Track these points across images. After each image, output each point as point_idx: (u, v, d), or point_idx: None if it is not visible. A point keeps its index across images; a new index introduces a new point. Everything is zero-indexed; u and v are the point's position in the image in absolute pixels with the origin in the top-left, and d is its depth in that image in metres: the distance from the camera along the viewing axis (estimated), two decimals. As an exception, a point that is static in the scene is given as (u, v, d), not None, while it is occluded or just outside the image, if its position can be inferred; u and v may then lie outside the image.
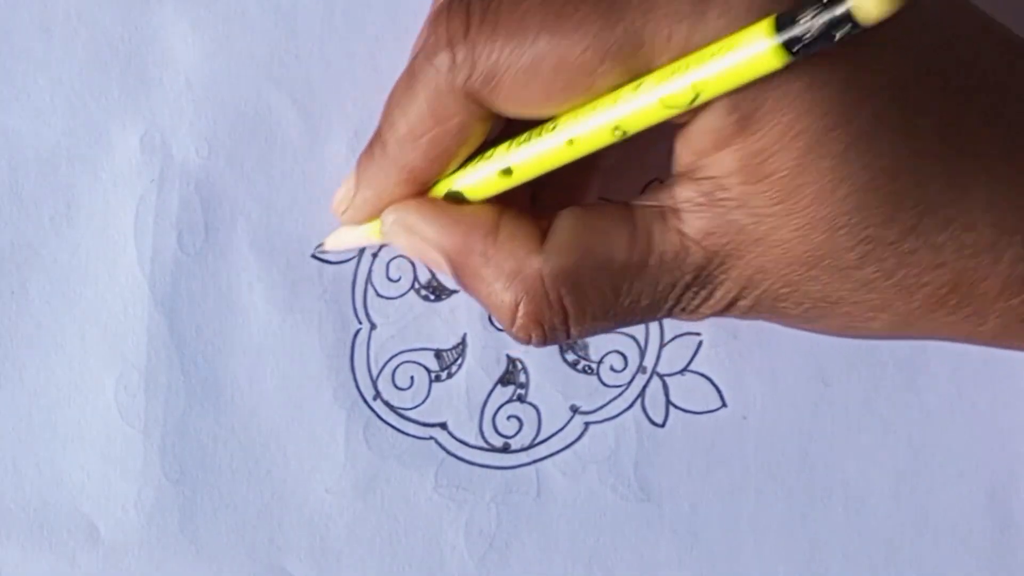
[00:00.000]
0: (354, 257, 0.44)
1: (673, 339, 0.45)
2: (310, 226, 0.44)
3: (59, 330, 0.43)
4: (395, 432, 0.44)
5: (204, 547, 0.44)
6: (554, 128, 0.36)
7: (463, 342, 0.44)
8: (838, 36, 0.31)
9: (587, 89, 0.34)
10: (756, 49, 0.32)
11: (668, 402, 0.45)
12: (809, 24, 0.31)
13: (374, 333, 0.44)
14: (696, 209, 0.36)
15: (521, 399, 0.44)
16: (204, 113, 0.43)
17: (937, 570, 0.46)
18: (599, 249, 0.36)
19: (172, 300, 0.43)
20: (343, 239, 0.42)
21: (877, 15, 0.30)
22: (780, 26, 0.31)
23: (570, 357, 0.44)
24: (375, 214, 0.39)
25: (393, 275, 0.44)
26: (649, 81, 0.34)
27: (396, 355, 0.44)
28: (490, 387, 0.44)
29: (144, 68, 0.43)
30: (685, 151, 0.35)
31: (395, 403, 0.44)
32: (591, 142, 0.35)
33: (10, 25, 0.43)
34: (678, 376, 0.45)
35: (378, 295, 0.44)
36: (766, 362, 0.45)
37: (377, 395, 0.44)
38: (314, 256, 0.43)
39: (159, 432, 0.43)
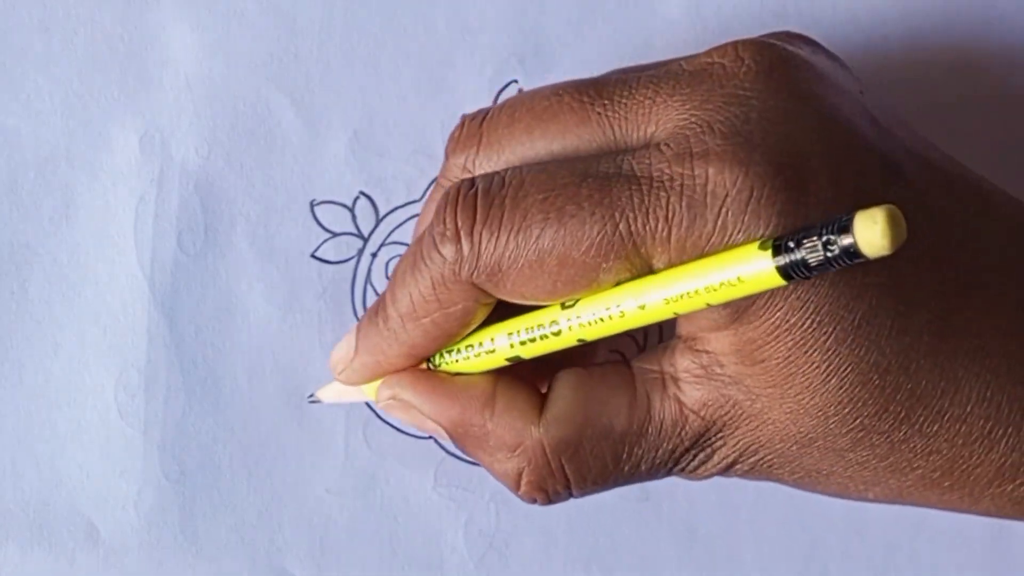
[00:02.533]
0: (354, 257, 0.44)
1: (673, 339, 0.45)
2: (310, 226, 0.44)
3: (59, 330, 0.43)
4: (395, 432, 0.44)
5: (204, 547, 0.44)
6: (558, 332, 0.36)
7: (463, 342, 0.44)
8: (840, 266, 0.31)
9: (591, 283, 0.35)
10: (757, 268, 0.32)
11: (668, 402, 0.45)
12: (812, 254, 0.31)
13: (374, 333, 0.44)
14: (694, 380, 0.36)
15: (521, 399, 0.44)
16: (204, 113, 0.43)
17: (936, 570, 0.46)
18: (599, 418, 0.37)
19: (172, 300, 0.43)
20: (338, 393, 0.42)
21: (883, 250, 0.30)
22: (777, 250, 0.32)
23: (570, 357, 0.44)
24: (372, 378, 0.40)
25: (393, 275, 0.44)
26: (656, 283, 0.34)
27: (396, 355, 0.44)
28: (490, 387, 0.44)
29: (144, 68, 0.43)
30: (686, 322, 0.36)
31: (395, 403, 0.44)
32: (597, 334, 0.36)
33: (10, 25, 0.43)
34: (678, 376, 0.45)
35: (377, 295, 0.44)
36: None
37: (377, 395, 0.44)
38: (310, 400, 0.44)
39: (159, 432, 0.43)
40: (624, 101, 0.36)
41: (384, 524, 0.44)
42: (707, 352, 0.36)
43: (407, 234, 0.44)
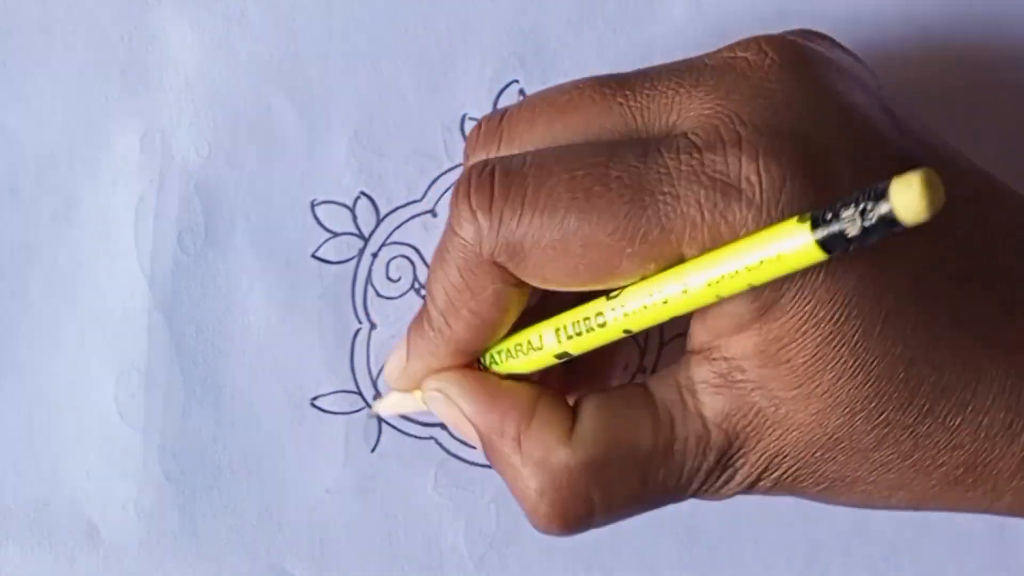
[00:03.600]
0: (354, 257, 0.44)
1: (673, 339, 0.45)
2: (310, 226, 0.44)
3: (59, 330, 0.43)
4: (395, 432, 0.44)
5: (204, 547, 0.44)
6: (604, 324, 0.36)
7: (463, 342, 0.44)
8: (878, 236, 0.31)
9: (614, 269, 0.35)
10: (797, 244, 0.32)
11: (668, 402, 0.45)
12: (850, 224, 0.31)
13: (374, 333, 0.44)
14: (714, 390, 0.36)
15: (521, 399, 0.44)
16: (204, 113, 0.43)
17: (937, 570, 0.46)
18: (624, 439, 0.37)
19: (172, 300, 0.43)
20: (395, 405, 0.42)
21: (920, 215, 0.30)
22: (816, 223, 0.31)
23: (570, 357, 0.44)
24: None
25: (393, 275, 0.44)
26: (698, 266, 0.34)
27: (396, 355, 0.44)
28: (490, 387, 0.44)
29: (144, 68, 0.43)
30: (701, 330, 0.36)
31: (395, 403, 0.44)
32: (643, 324, 0.35)
33: (10, 25, 0.43)
34: (678, 376, 0.45)
35: (378, 295, 0.44)
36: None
37: (377, 395, 0.44)
38: (369, 415, 0.44)
39: (159, 432, 0.43)
40: (647, 92, 0.36)
41: (384, 524, 0.44)
42: (725, 359, 0.36)
43: (408, 234, 0.44)
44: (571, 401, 0.38)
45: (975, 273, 0.36)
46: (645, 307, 0.35)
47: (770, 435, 0.36)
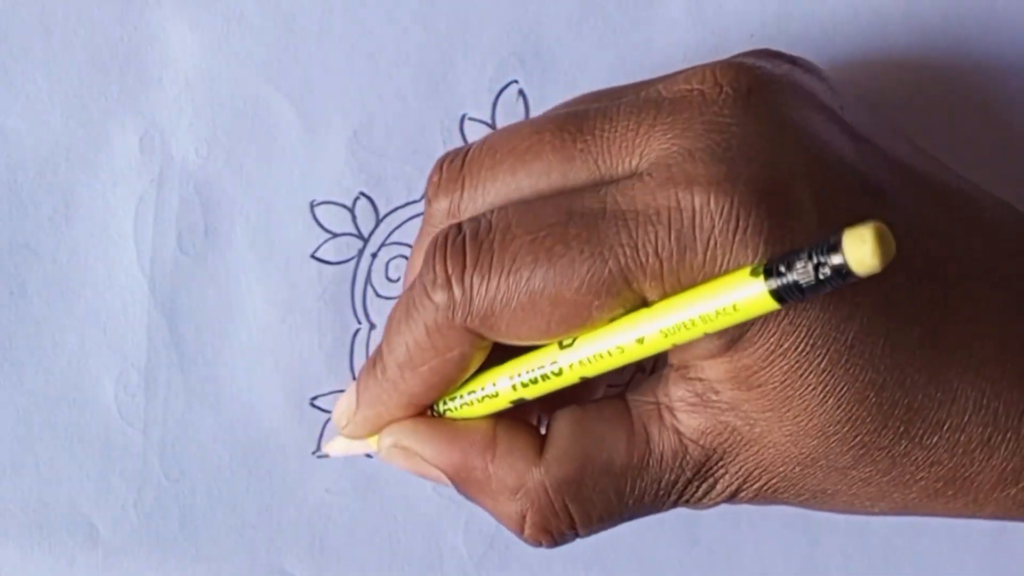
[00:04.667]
0: (354, 257, 0.44)
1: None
2: (310, 226, 0.44)
3: (58, 330, 0.43)
4: (395, 432, 0.44)
5: (203, 547, 0.44)
6: (559, 371, 0.36)
7: (463, 342, 0.44)
8: (831, 287, 0.31)
9: (585, 321, 0.35)
10: (751, 294, 0.32)
11: (668, 402, 0.45)
12: (803, 276, 0.31)
13: (373, 333, 0.44)
14: (690, 408, 0.36)
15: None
16: (203, 113, 0.43)
17: (937, 570, 0.46)
18: (599, 455, 0.37)
19: (172, 300, 0.43)
20: (344, 447, 0.42)
21: (873, 267, 0.30)
22: (769, 274, 0.32)
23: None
24: (375, 431, 0.40)
25: (392, 275, 0.44)
26: (652, 316, 0.34)
27: (396, 355, 0.44)
28: (490, 387, 0.44)
29: (143, 68, 0.43)
30: (678, 350, 0.36)
31: (395, 403, 0.44)
32: (598, 370, 0.36)
33: (10, 25, 0.43)
34: (678, 376, 0.45)
35: (377, 295, 0.44)
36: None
37: (377, 395, 0.44)
38: (317, 455, 0.44)
39: (159, 432, 0.43)
40: (606, 135, 0.36)
41: (384, 524, 0.44)
42: (701, 380, 0.36)
43: (407, 234, 0.44)
44: (541, 418, 0.39)
45: (944, 292, 0.36)
46: (600, 356, 0.35)
47: (746, 451, 0.36)
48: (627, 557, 0.45)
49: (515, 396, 0.37)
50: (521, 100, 0.44)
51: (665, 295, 0.34)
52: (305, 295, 0.44)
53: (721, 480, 0.37)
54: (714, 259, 0.33)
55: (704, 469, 0.37)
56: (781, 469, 0.36)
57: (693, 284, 0.34)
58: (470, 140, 0.44)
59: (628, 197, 0.34)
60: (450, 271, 0.36)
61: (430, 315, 0.36)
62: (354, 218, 0.44)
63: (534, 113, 0.44)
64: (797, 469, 0.36)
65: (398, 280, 0.44)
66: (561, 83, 0.44)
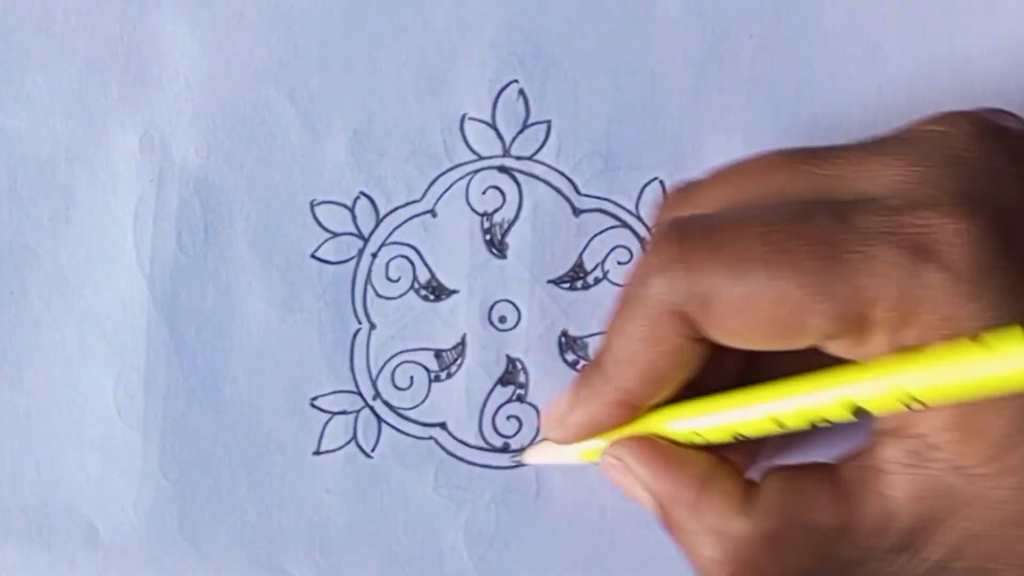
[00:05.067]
0: (354, 257, 0.44)
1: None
2: (310, 226, 0.44)
3: (58, 330, 0.43)
4: (395, 432, 0.44)
5: (203, 547, 0.44)
6: (785, 417, 0.35)
7: (463, 342, 0.44)
8: None
9: (801, 326, 0.34)
10: (1016, 366, 0.31)
11: (668, 402, 0.45)
12: None
13: (374, 333, 0.44)
14: (903, 471, 0.35)
15: (521, 399, 0.44)
16: (203, 113, 0.43)
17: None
18: (804, 513, 0.36)
19: (172, 300, 0.43)
20: (546, 454, 0.42)
21: None
22: None
23: (570, 357, 0.44)
24: (585, 436, 0.40)
25: (392, 275, 0.44)
26: (886, 367, 0.33)
27: (396, 355, 0.44)
28: (490, 387, 0.44)
29: (143, 68, 0.43)
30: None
31: (395, 403, 0.44)
32: (831, 415, 0.35)
33: (10, 25, 0.43)
34: (678, 376, 0.45)
35: (377, 295, 0.44)
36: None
37: (377, 395, 0.44)
38: (513, 460, 0.44)
39: (158, 432, 0.43)
40: (835, 160, 0.36)
41: (384, 524, 0.44)
42: (917, 436, 0.35)
43: (407, 234, 0.44)
44: (756, 474, 0.38)
45: None
46: (845, 401, 0.34)
47: (961, 514, 0.35)
48: (627, 557, 0.45)
49: (736, 431, 0.37)
50: (521, 100, 0.44)
51: (893, 311, 0.33)
52: (305, 295, 0.44)
53: (924, 550, 0.36)
54: (953, 282, 0.33)
55: (909, 538, 0.35)
56: (997, 532, 0.35)
57: (927, 306, 0.33)
58: (470, 140, 0.44)
59: (864, 214, 0.34)
60: (670, 255, 0.35)
61: (646, 302, 0.36)
62: (354, 218, 0.44)
63: (534, 113, 0.44)
64: (1015, 531, 0.35)
65: (398, 280, 0.44)
66: (561, 83, 0.44)
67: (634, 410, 0.38)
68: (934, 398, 0.33)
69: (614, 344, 0.37)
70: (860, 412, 0.34)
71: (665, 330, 0.36)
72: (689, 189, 0.38)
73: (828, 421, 0.35)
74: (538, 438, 0.43)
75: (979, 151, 0.35)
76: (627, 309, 0.37)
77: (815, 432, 0.38)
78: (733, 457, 0.39)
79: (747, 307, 0.34)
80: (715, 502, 0.37)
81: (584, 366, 0.39)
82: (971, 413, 0.34)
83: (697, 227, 0.35)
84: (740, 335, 0.35)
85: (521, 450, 0.44)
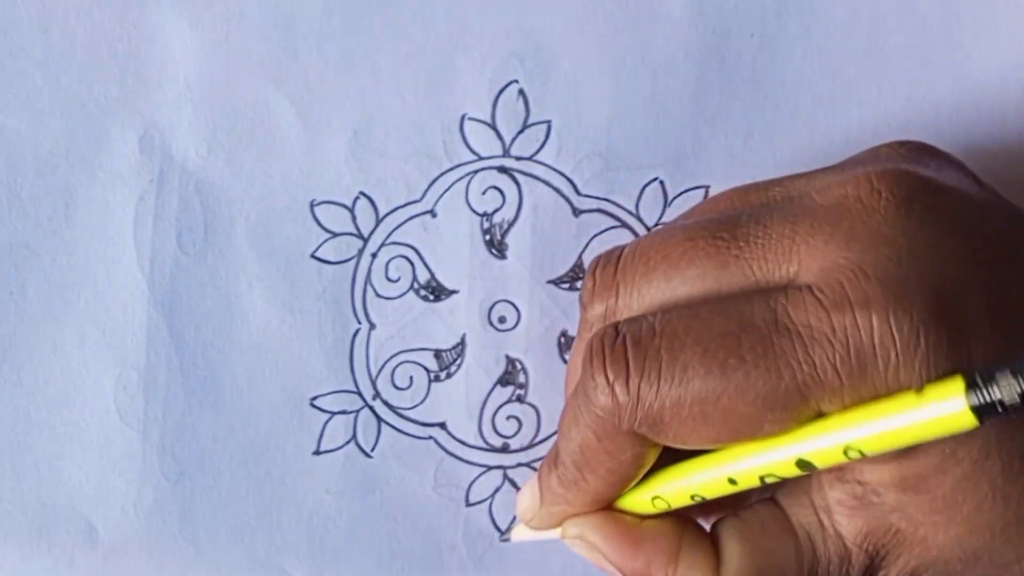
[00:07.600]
0: (354, 257, 0.44)
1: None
2: (310, 226, 0.44)
3: (58, 331, 0.43)
4: (394, 432, 0.44)
5: (203, 547, 0.44)
6: (737, 478, 0.36)
7: (462, 342, 0.44)
8: None
9: (755, 433, 0.35)
10: (948, 409, 0.32)
11: (668, 402, 0.45)
12: (1007, 392, 0.31)
13: (373, 333, 0.44)
14: (850, 511, 0.36)
15: (520, 399, 0.44)
16: (203, 113, 0.43)
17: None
18: (772, 570, 0.37)
19: (171, 300, 0.43)
20: (531, 535, 0.42)
21: None
22: (971, 389, 0.31)
23: (569, 357, 0.44)
24: (560, 523, 0.40)
25: (392, 275, 0.44)
26: (831, 425, 0.34)
27: (395, 355, 0.44)
28: (489, 387, 0.44)
29: (143, 68, 0.43)
30: None
31: (394, 403, 0.44)
32: (783, 473, 0.35)
33: (9, 25, 0.43)
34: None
35: (377, 295, 0.44)
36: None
37: (376, 395, 0.44)
38: (502, 539, 0.44)
39: (158, 432, 0.43)
40: (760, 241, 0.35)
41: (384, 524, 0.44)
42: (860, 482, 0.35)
43: (407, 234, 0.44)
44: (707, 525, 0.38)
45: None
46: (782, 463, 0.35)
47: (909, 552, 0.36)
48: (627, 557, 0.45)
49: (695, 492, 0.37)
50: (521, 100, 0.44)
51: (844, 408, 0.34)
52: (304, 295, 0.44)
53: None
54: (896, 378, 0.33)
55: (868, 572, 0.36)
56: (942, 568, 0.36)
57: (875, 398, 0.33)
58: (470, 140, 0.44)
59: (801, 312, 0.34)
60: (613, 377, 0.35)
61: (597, 421, 0.36)
62: (354, 218, 0.44)
63: (534, 113, 0.44)
64: (959, 566, 0.36)
65: (398, 280, 0.44)
66: (561, 83, 0.44)
67: (603, 504, 0.39)
68: (875, 449, 0.33)
69: (571, 451, 0.37)
70: (805, 465, 0.35)
71: (620, 445, 0.36)
72: (616, 275, 0.38)
73: (777, 477, 0.35)
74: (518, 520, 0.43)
75: (901, 225, 0.34)
76: (578, 420, 0.37)
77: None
78: (693, 515, 0.39)
79: (699, 423, 0.35)
80: (687, 574, 0.37)
81: (544, 461, 0.39)
82: (913, 477, 0.34)
83: (635, 343, 0.35)
84: (695, 444, 0.36)
85: (508, 530, 0.44)
